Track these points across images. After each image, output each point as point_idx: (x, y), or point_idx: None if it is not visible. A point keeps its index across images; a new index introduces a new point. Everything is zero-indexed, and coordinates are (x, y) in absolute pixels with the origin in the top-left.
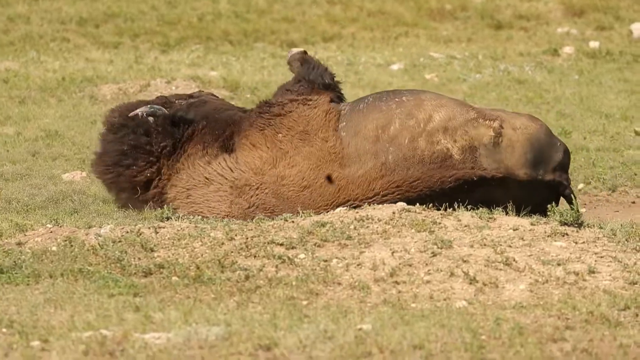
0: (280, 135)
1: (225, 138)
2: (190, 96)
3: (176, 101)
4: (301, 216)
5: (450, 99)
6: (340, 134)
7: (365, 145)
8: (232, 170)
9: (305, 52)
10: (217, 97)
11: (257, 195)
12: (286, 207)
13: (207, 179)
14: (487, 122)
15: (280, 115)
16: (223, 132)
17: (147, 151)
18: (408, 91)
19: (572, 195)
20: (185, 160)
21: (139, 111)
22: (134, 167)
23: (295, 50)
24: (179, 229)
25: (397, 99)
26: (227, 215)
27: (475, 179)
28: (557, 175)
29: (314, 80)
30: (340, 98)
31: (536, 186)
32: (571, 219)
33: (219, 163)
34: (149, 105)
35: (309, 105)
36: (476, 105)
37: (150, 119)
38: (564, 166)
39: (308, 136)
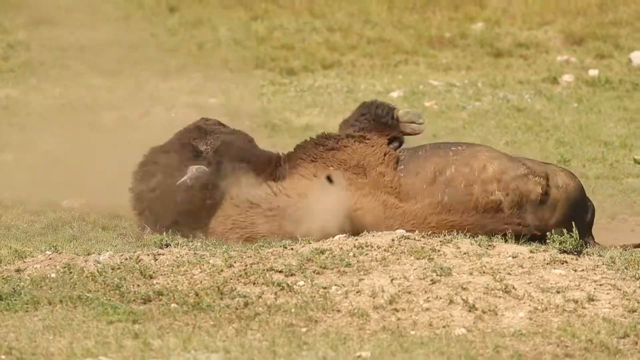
0: (331, 168)
1: (271, 169)
2: (205, 131)
3: (200, 146)
4: (300, 243)
5: (502, 153)
6: (399, 174)
7: (422, 185)
8: (276, 195)
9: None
10: (223, 124)
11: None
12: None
13: (251, 202)
14: (535, 178)
15: (334, 149)
16: (266, 168)
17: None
18: (464, 143)
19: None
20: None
21: (186, 178)
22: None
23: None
24: (178, 255)
25: (454, 148)
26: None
27: (519, 236)
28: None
29: (379, 115)
30: (399, 140)
31: None
32: (570, 247)
33: (264, 189)
34: (195, 168)
35: (365, 143)
36: (523, 157)
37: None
38: (590, 225)
39: (362, 170)
